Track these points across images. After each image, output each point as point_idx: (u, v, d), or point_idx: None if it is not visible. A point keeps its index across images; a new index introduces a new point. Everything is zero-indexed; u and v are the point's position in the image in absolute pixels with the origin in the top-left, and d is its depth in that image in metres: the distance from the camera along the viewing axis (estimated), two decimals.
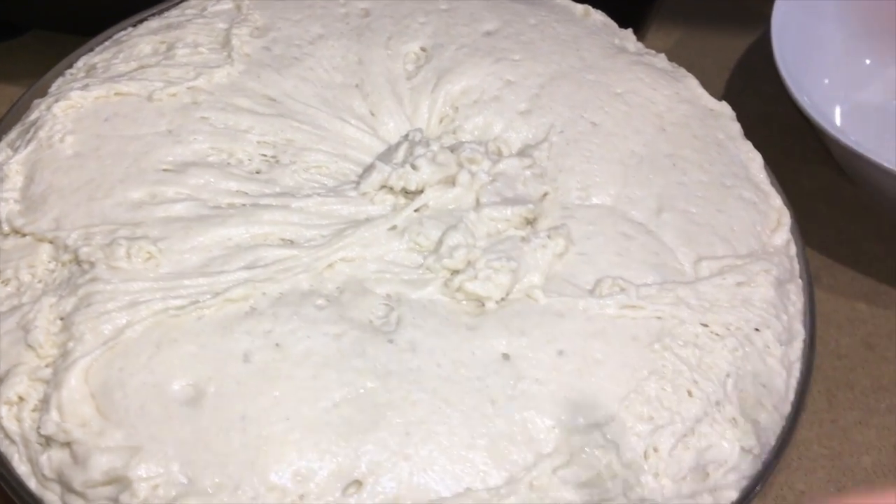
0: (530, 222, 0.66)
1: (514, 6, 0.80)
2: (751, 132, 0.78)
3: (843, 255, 0.93)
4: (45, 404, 0.55)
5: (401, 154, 0.66)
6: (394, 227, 0.64)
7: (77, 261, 0.60)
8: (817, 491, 0.78)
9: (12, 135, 0.69)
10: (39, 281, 0.61)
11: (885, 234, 0.95)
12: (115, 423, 0.54)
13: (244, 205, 0.64)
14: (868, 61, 1.04)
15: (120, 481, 0.53)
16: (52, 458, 0.55)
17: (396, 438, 0.55)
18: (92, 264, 0.59)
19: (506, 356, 0.59)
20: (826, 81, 1.01)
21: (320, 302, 0.59)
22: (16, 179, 0.65)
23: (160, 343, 0.57)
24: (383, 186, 0.66)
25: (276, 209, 0.64)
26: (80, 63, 0.74)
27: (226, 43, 0.73)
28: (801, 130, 1.00)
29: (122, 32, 0.77)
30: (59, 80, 0.73)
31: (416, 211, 0.65)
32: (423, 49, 0.76)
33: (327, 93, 0.72)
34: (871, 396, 0.84)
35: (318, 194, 0.65)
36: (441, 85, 0.73)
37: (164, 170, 0.65)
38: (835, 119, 1.00)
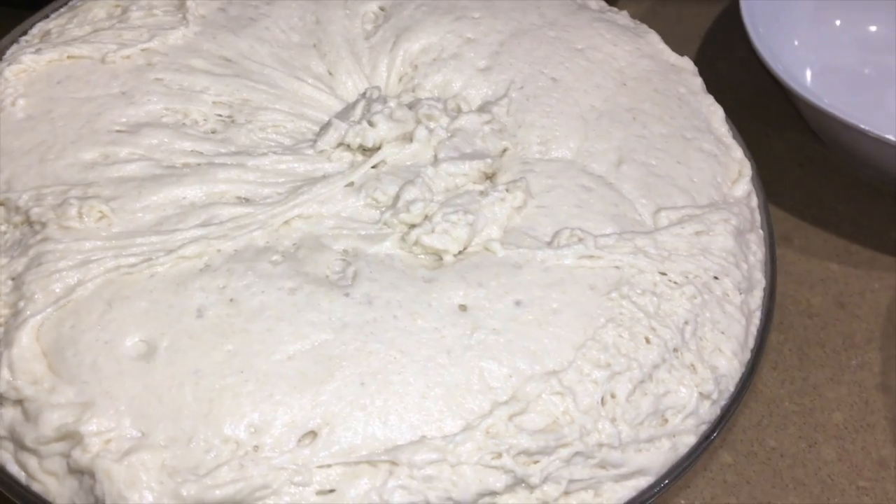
0: (489, 177, 0.66)
1: None
2: (722, 96, 0.78)
3: (815, 217, 0.94)
4: None
5: (358, 111, 0.66)
6: (351, 184, 0.64)
7: (28, 222, 0.60)
8: (789, 446, 0.78)
9: None
10: None
11: (856, 194, 0.95)
12: (67, 380, 0.54)
13: (199, 164, 0.63)
14: (838, 22, 1.04)
15: (72, 437, 0.52)
16: (4, 417, 0.54)
17: (352, 389, 0.54)
18: (43, 224, 0.59)
19: (463, 307, 0.58)
20: (796, 44, 1.01)
21: (276, 258, 0.59)
22: None
23: (112, 300, 0.56)
24: (340, 144, 0.65)
25: (231, 168, 0.63)
26: (34, 30, 0.74)
27: (181, 5, 0.73)
28: (772, 95, 1.00)
29: None
30: (14, 47, 0.72)
31: (373, 167, 0.65)
32: (381, 8, 0.76)
33: (284, 53, 0.71)
34: (842, 354, 0.84)
35: (275, 153, 0.65)
36: (400, 43, 0.73)
37: (118, 131, 0.64)
38: (805, 81, 1.00)
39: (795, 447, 0.79)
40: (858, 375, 0.83)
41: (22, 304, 0.56)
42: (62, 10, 0.75)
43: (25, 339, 0.55)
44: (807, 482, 0.77)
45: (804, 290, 0.89)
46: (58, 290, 0.56)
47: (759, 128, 0.98)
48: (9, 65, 0.67)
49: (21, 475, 0.54)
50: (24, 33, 0.74)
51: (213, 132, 0.66)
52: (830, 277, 0.90)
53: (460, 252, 0.61)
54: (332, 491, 0.52)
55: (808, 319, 0.87)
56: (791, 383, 0.83)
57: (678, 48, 0.80)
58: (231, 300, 0.57)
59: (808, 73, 1.02)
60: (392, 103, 0.66)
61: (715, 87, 0.78)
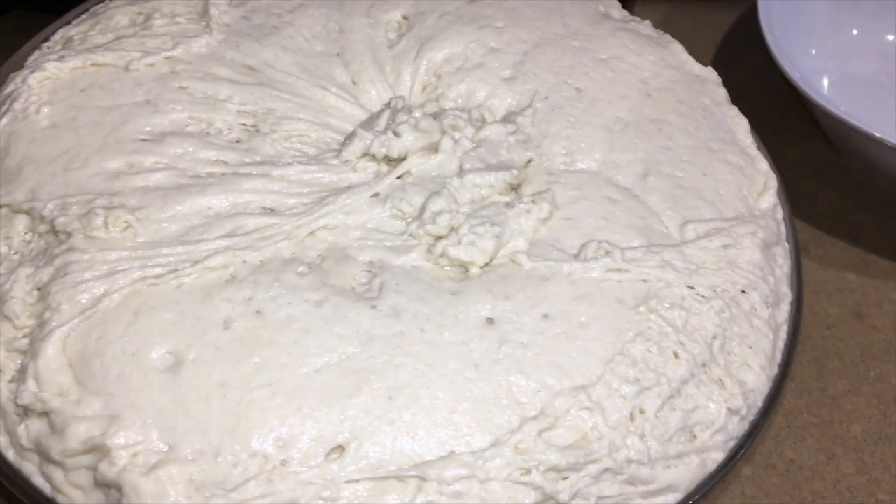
0: (515, 188, 0.66)
1: None
2: (739, 104, 0.78)
3: (832, 226, 0.93)
4: (22, 374, 0.54)
5: (383, 121, 0.66)
6: (376, 195, 0.63)
7: (53, 231, 0.59)
8: (807, 459, 0.78)
9: None
10: (15, 252, 0.60)
11: (873, 204, 0.95)
12: (94, 392, 0.54)
13: (224, 174, 0.63)
14: (855, 31, 1.04)
15: (98, 450, 0.52)
16: (30, 428, 0.54)
17: (380, 403, 0.54)
18: (69, 234, 0.58)
19: (490, 320, 0.58)
20: (813, 52, 1.01)
21: (302, 269, 0.59)
22: None
23: (138, 312, 0.56)
24: (365, 154, 0.65)
25: (256, 178, 0.63)
26: (56, 36, 0.73)
27: (204, 13, 0.72)
28: (788, 102, 1.00)
29: (100, 5, 0.76)
30: (36, 53, 0.72)
31: (398, 178, 0.64)
32: (404, 17, 0.76)
33: (308, 62, 0.71)
34: (860, 365, 0.84)
35: (300, 162, 0.65)
36: (423, 53, 0.72)
37: (142, 139, 0.64)
38: (822, 90, 1.00)
39: (814, 459, 0.78)
40: (877, 387, 0.83)
41: (48, 314, 0.55)
42: (83, 16, 0.75)
43: (52, 351, 0.54)
44: (826, 495, 0.76)
45: (822, 300, 0.89)
46: (84, 301, 0.56)
47: (775, 136, 0.98)
48: (32, 72, 0.67)
49: (46, 487, 0.54)
50: (46, 39, 0.73)
51: (238, 141, 0.66)
52: (848, 288, 0.90)
53: (486, 264, 0.61)
54: None
55: (825, 330, 0.87)
56: (809, 395, 0.82)
57: (693, 56, 0.79)
58: (257, 312, 0.56)
59: (826, 82, 1.01)
60: (417, 113, 0.65)
61: (730, 95, 0.78)
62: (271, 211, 0.62)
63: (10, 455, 0.55)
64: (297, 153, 0.66)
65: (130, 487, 0.51)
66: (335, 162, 0.65)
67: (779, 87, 0.94)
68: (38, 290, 0.57)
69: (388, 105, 0.68)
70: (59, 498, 0.53)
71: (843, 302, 0.88)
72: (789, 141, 0.99)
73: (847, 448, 0.79)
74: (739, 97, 0.79)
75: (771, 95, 1.01)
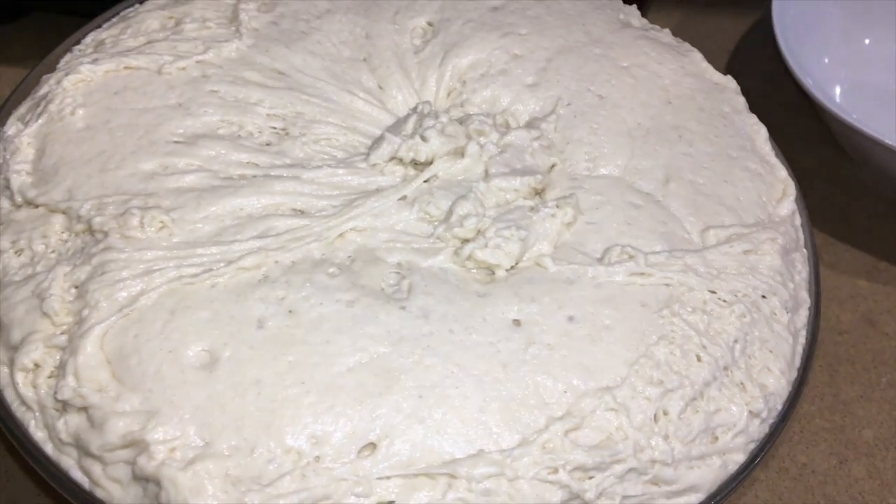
0: (539, 193, 0.67)
1: None
2: (751, 111, 0.79)
3: (844, 233, 0.94)
4: (61, 370, 0.55)
5: (410, 126, 0.67)
6: (404, 198, 0.64)
7: (90, 231, 0.61)
8: (819, 463, 0.79)
9: (22, 109, 0.70)
10: (53, 251, 0.61)
11: (885, 211, 0.96)
12: (132, 388, 0.55)
13: (255, 176, 0.64)
14: (867, 41, 1.05)
15: (137, 444, 0.53)
16: (69, 423, 0.55)
17: (410, 402, 0.55)
18: (105, 234, 0.60)
19: (517, 322, 0.59)
20: (826, 61, 1.02)
21: (332, 270, 0.60)
22: (27, 152, 0.65)
23: (174, 310, 0.57)
24: (393, 158, 0.66)
25: (287, 180, 0.64)
26: (87, 39, 0.75)
27: (234, 18, 0.74)
28: (800, 110, 1.01)
29: (130, 9, 0.77)
30: (68, 56, 0.73)
31: (425, 182, 0.65)
32: (429, 23, 0.77)
33: (335, 66, 0.72)
34: (871, 371, 0.85)
35: (329, 165, 0.66)
36: (448, 59, 0.74)
37: (175, 142, 0.65)
38: (835, 98, 1.01)
39: (826, 464, 0.79)
40: (888, 393, 0.84)
41: (86, 312, 0.57)
42: (114, 20, 0.76)
43: (90, 347, 0.55)
44: (838, 499, 0.77)
45: (833, 306, 0.89)
46: (121, 299, 0.57)
47: (787, 144, 0.99)
48: (67, 74, 0.68)
49: (85, 481, 0.55)
50: (77, 42, 0.75)
51: (268, 144, 0.67)
52: (860, 294, 0.91)
53: (512, 267, 0.62)
54: (391, 503, 0.53)
55: (837, 336, 0.87)
56: (821, 400, 0.83)
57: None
58: (290, 311, 0.57)
59: (838, 90, 1.02)
60: (444, 118, 0.67)
61: None
62: (301, 213, 0.63)
63: (49, 449, 0.56)
64: (326, 156, 0.67)
65: (169, 481, 0.52)
66: (363, 165, 0.66)
67: (790, 94, 0.95)
68: (76, 287, 0.58)
69: (414, 110, 0.69)
70: (98, 492, 0.54)
71: (856, 308, 0.89)
72: (801, 148, 1.00)
73: (859, 453, 0.80)
74: (752, 105, 0.80)
75: (783, 103, 1.02)
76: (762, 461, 0.62)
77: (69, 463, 0.55)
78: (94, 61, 0.69)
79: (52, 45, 0.76)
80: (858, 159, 0.95)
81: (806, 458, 0.79)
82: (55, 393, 0.55)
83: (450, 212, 0.63)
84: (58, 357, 0.56)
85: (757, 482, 0.77)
